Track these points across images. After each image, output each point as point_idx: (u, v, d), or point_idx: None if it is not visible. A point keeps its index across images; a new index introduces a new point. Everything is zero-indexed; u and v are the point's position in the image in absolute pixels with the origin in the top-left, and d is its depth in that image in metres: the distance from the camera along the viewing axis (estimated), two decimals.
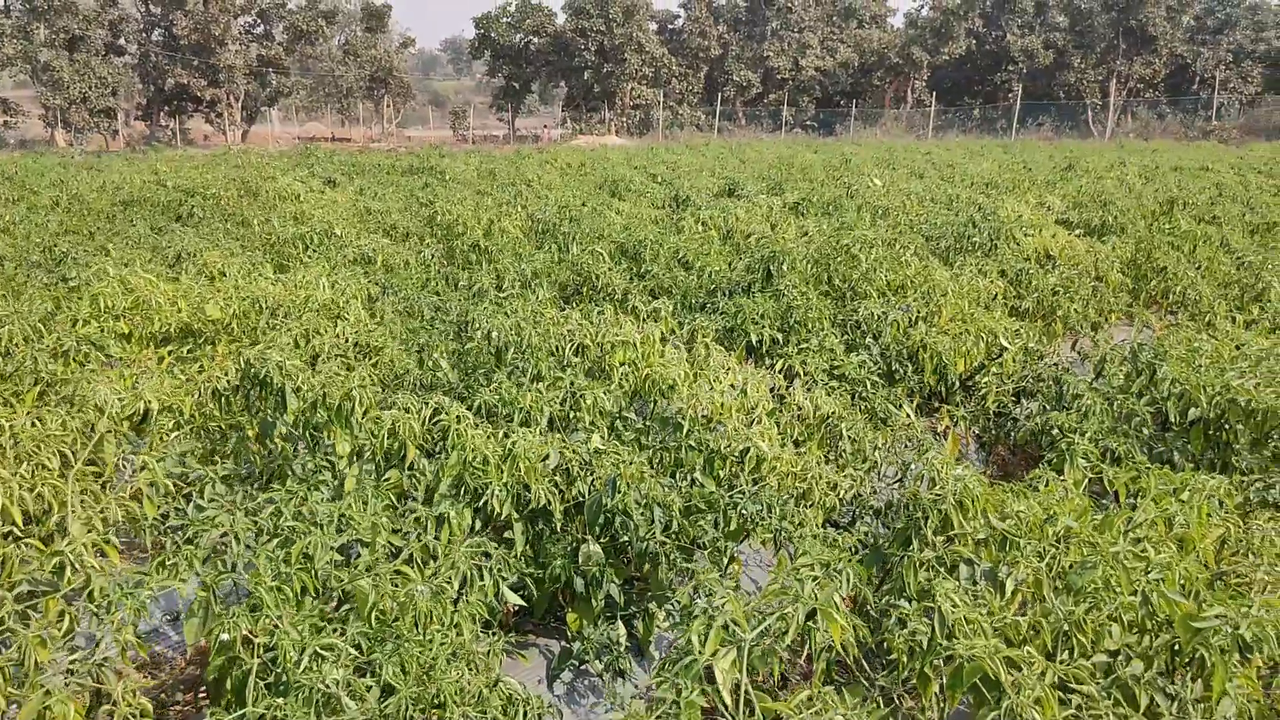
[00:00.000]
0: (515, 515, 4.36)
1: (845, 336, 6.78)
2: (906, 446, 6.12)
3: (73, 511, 3.27)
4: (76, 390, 4.05)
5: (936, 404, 7.15)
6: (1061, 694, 2.72)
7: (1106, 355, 5.63)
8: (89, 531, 3.26)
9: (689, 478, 4.71)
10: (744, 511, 4.33)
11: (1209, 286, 8.01)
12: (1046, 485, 3.79)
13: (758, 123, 55.61)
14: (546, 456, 4.18)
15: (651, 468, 4.81)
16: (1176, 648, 2.84)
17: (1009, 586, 2.90)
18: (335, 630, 3.33)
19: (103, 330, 5.49)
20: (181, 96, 45.82)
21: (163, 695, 4.34)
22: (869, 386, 6.09)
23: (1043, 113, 52.46)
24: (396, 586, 3.55)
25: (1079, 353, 7.31)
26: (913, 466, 3.67)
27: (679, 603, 3.68)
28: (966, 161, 22.05)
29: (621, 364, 5.19)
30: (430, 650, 3.39)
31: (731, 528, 4.38)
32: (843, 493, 4.92)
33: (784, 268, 7.03)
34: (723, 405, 5.04)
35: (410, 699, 3.15)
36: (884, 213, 11.65)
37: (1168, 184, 15.84)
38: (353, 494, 3.72)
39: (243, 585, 3.37)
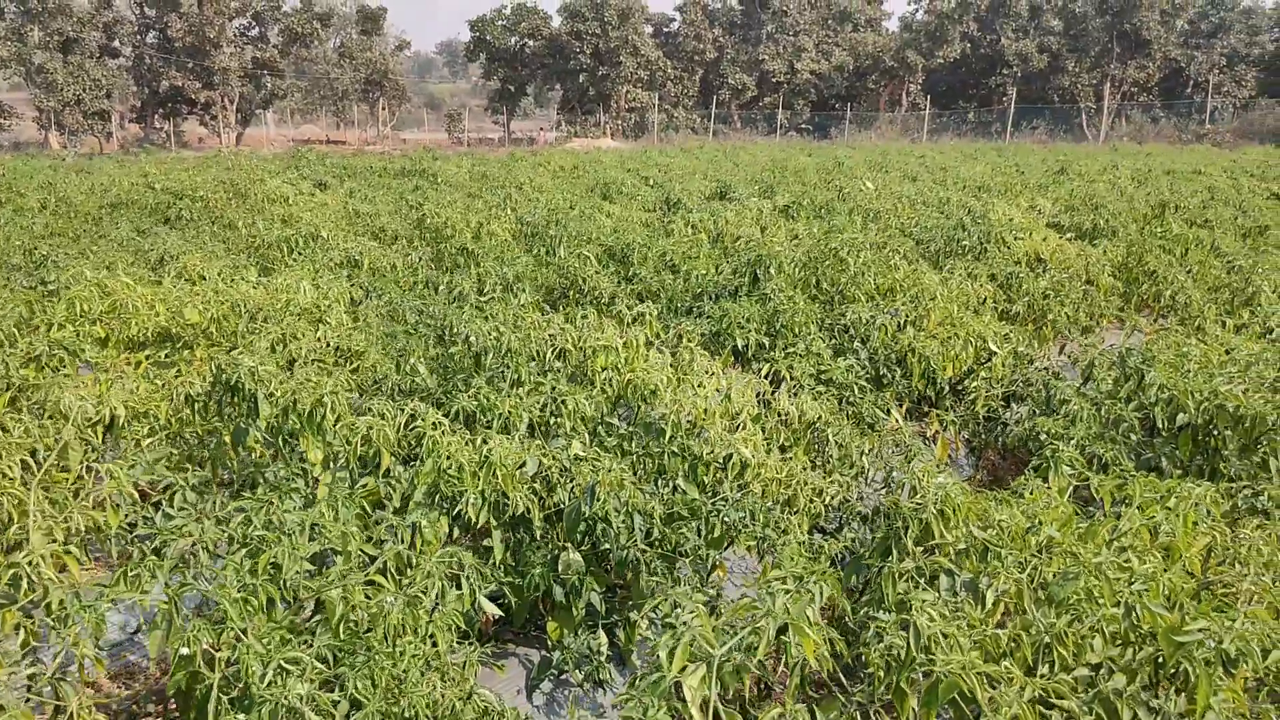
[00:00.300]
0: (494, 523, 4.29)
1: (833, 341, 6.72)
2: (894, 452, 6.06)
3: (34, 521, 3.19)
4: (46, 397, 3.97)
5: (926, 408, 7.09)
6: (1043, 709, 2.66)
7: (1094, 360, 5.58)
8: (51, 541, 3.17)
9: (671, 484, 4.64)
10: (726, 519, 4.26)
11: (1199, 290, 7.97)
12: (1031, 493, 3.73)
13: (753, 126, 55.63)
14: (523, 464, 4.11)
15: (634, 474, 4.74)
16: (1160, 661, 2.78)
17: (989, 598, 2.83)
18: (304, 643, 3.25)
19: (78, 335, 5.41)
20: (176, 99, 45.68)
21: (134, 706, 4.27)
22: (856, 391, 6.03)
23: (1037, 116, 52.57)
24: (369, 597, 3.47)
25: (1070, 357, 7.27)
26: (895, 474, 3.61)
27: (660, 611, 3.61)
28: (960, 165, 22.04)
29: (604, 369, 5.12)
30: (401, 662, 3.31)
31: (715, 535, 4.31)
32: (829, 499, 4.86)
33: (771, 271, 6.96)
34: (706, 411, 4.97)
35: (379, 713, 3.08)
36: (875, 216, 11.61)
37: (1160, 187, 15.83)
38: (324, 502, 3.64)
39: (211, 597, 3.29)
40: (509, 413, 4.47)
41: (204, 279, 6.24)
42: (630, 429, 5.02)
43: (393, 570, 3.76)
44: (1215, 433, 4.59)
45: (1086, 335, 8.13)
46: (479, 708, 3.38)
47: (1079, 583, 2.84)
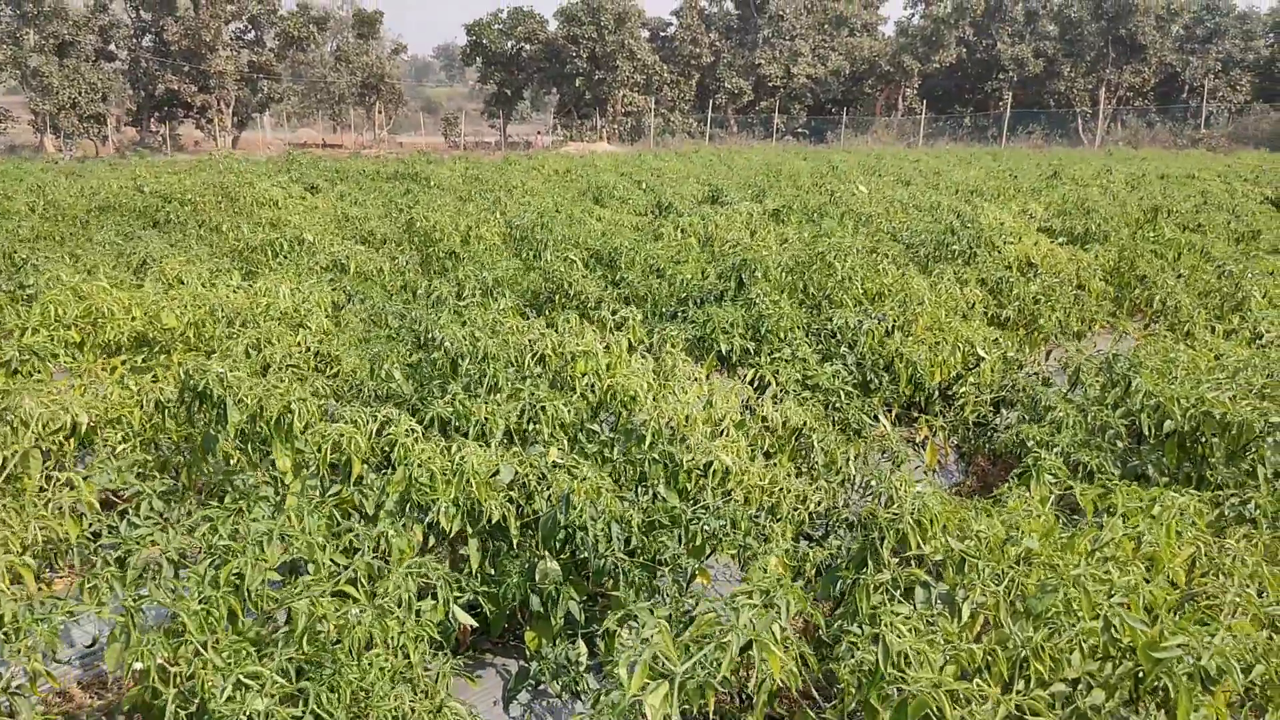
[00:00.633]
0: (470, 531, 4.21)
1: (820, 346, 6.65)
2: (882, 458, 6.00)
3: None
4: (6, 404, 3.89)
5: (916, 414, 7.02)
6: None
7: (1081, 366, 5.52)
8: (6, 553, 3.10)
9: (652, 492, 4.57)
10: (707, 528, 4.19)
11: (1189, 296, 7.92)
12: (1013, 502, 3.66)
13: (750, 130, 55.65)
14: (497, 472, 4.03)
15: (615, 481, 4.67)
16: (1140, 676, 2.71)
17: (965, 611, 2.76)
18: (269, 656, 3.17)
19: (52, 339, 5.33)
20: (172, 102, 45.63)
21: (104, 717, 4.19)
22: (843, 397, 5.96)
23: (1033, 121, 52.66)
24: (339, 609, 3.39)
25: (1061, 363, 7.20)
26: (874, 483, 3.54)
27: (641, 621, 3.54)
28: (953, 169, 22.02)
29: (584, 375, 5.05)
30: (368, 675, 3.23)
31: (696, 544, 4.24)
32: (813, 506, 4.79)
33: (756, 275, 6.90)
34: (686, 417, 4.90)
35: None
36: (867, 220, 11.55)
37: (1153, 192, 15.80)
38: (291, 511, 3.57)
39: (169, 609, 3.22)
40: (485, 419, 4.40)
41: (182, 283, 6.16)
42: (612, 435, 4.95)
43: (363, 580, 3.68)
44: (1202, 440, 4.52)
45: (1079, 340, 8.07)
46: None
47: (1057, 595, 2.77)
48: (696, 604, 4.12)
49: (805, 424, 5.39)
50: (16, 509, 3.41)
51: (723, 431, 5.13)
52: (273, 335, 5.10)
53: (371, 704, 3.20)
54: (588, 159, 24.60)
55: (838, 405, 5.99)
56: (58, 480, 3.54)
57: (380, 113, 52.98)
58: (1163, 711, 2.66)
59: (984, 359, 6.54)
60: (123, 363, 5.63)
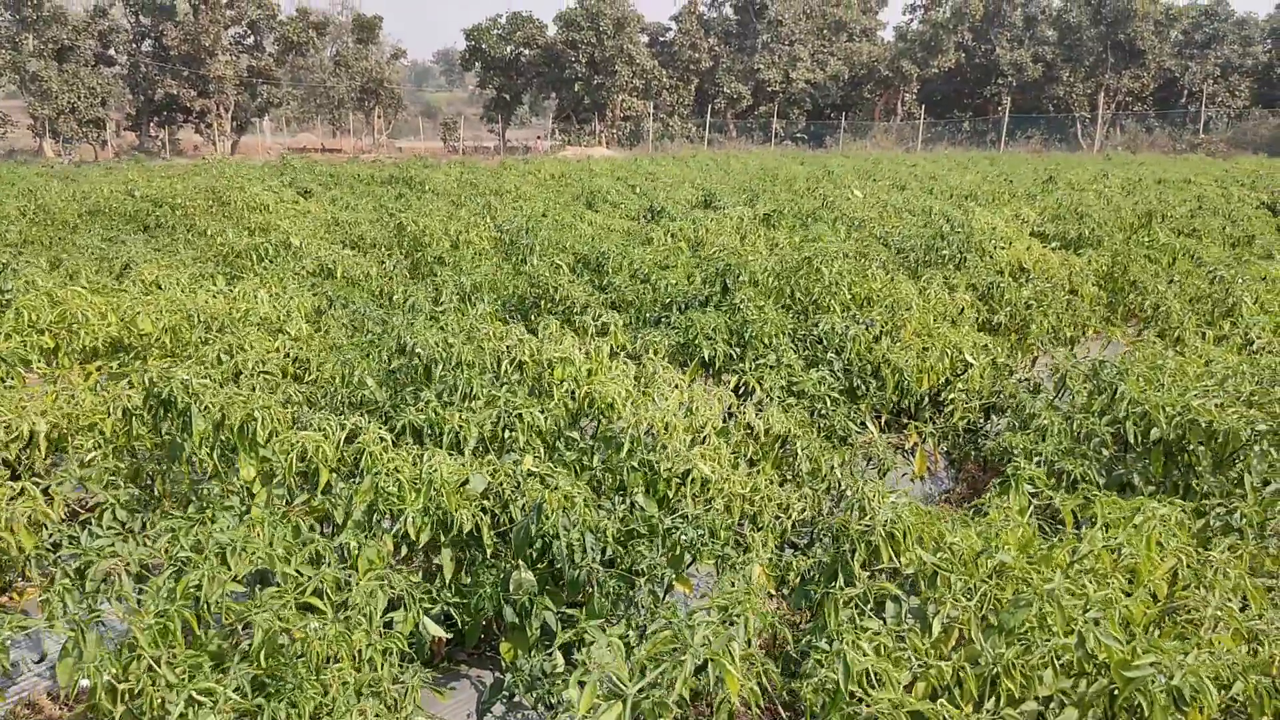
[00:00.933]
0: (443, 541, 4.14)
1: (806, 352, 6.58)
2: (868, 465, 5.92)
3: None
4: None
5: (905, 420, 6.94)
6: None
7: (1067, 372, 5.44)
8: None
9: (629, 500, 4.49)
10: (685, 537, 4.12)
11: (1180, 301, 7.84)
12: (991, 513, 3.58)
13: (748, 135, 55.64)
14: (466, 481, 3.96)
15: (594, 490, 4.59)
16: (1114, 693, 2.63)
17: (936, 626, 2.68)
18: (227, 670, 3.10)
19: (25, 345, 5.26)
20: (171, 107, 45.65)
21: None
22: (828, 403, 5.88)
23: (1032, 125, 52.63)
24: (302, 622, 3.31)
25: (1051, 369, 7.13)
26: (848, 492, 3.46)
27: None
28: (950, 173, 21.97)
29: (562, 381, 4.98)
30: (330, 690, 3.16)
31: (675, 553, 4.16)
32: (796, 514, 4.71)
33: (741, 280, 6.82)
34: (666, 424, 4.83)
35: None
36: (860, 224, 11.49)
37: (1148, 196, 15.73)
38: (256, 521, 3.49)
39: (122, 623, 3.14)
40: (459, 427, 4.32)
41: (159, 288, 6.09)
42: (591, 443, 4.87)
43: (329, 592, 3.61)
44: (1189, 448, 4.44)
45: (1072, 346, 7.99)
46: None
47: (1030, 610, 2.69)
48: (673, 614, 4.04)
49: (789, 431, 5.31)
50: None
51: (704, 439, 5.05)
52: (247, 341, 5.03)
53: (333, 718, 3.12)
54: (584, 163, 24.58)
55: (824, 412, 5.91)
56: (12, 490, 3.46)
57: (379, 117, 53.01)
58: None
59: (972, 365, 6.47)
60: (98, 368, 5.56)
